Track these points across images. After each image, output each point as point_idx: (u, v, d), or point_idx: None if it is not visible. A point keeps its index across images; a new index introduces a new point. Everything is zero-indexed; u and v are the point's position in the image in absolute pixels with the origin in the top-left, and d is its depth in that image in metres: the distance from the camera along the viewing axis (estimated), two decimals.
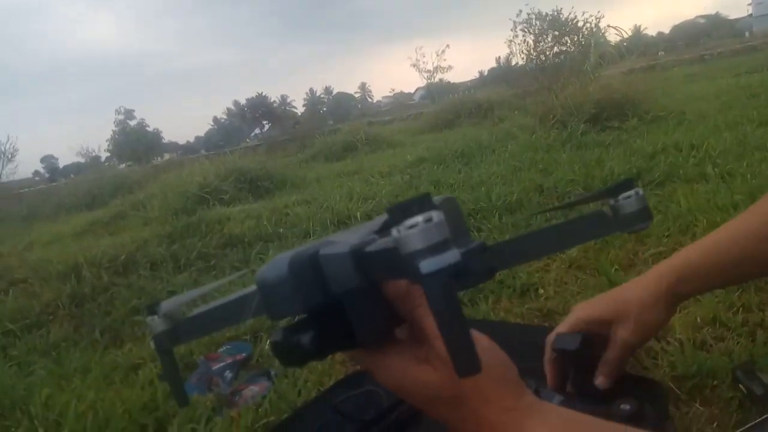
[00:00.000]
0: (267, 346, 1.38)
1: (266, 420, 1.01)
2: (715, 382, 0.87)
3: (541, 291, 1.40)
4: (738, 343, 0.97)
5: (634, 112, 3.82)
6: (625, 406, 0.68)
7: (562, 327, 0.71)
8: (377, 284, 0.43)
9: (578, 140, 3.47)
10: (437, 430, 0.68)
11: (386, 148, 6.21)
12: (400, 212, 0.36)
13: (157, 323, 0.47)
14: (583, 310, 0.71)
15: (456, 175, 3.18)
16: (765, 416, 0.76)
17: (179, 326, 0.48)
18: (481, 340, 0.42)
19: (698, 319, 1.06)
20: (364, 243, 0.42)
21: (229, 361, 1.36)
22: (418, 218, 0.36)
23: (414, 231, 0.36)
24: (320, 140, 7.24)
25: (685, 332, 1.01)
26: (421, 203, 0.37)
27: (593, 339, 0.69)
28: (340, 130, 8.22)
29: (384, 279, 0.43)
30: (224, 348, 1.44)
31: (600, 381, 0.69)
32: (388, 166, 4.05)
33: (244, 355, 1.38)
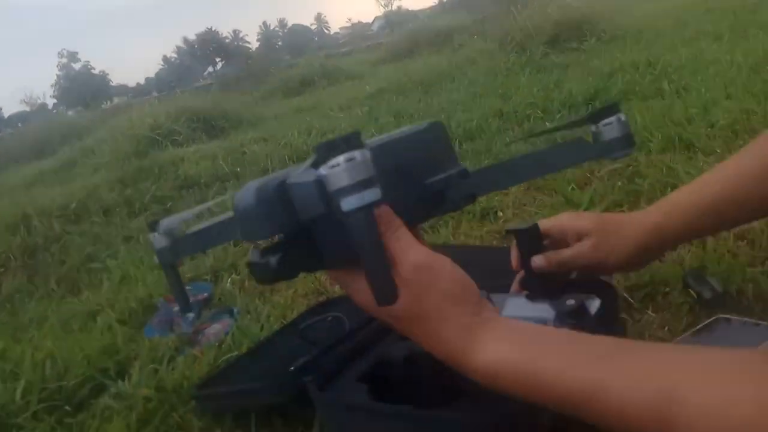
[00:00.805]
0: (228, 285, 1.37)
1: (229, 355, 1.00)
2: (667, 289, 0.89)
3: (500, 214, 1.40)
4: (689, 251, 0.99)
5: (593, 32, 3.78)
6: (570, 302, 0.68)
7: (543, 221, 0.69)
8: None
9: (537, 63, 3.43)
10: (399, 350, 0.68)
11: (345, 81, 6.05)
12: (325, 150, 0.37)
13: (158, 239, 0.50)
14: (568, 217, 0.69)
15: (416, 104, 3.13)
16: (713, 318, 0.78)
17: (179, 242, 0.50)
18: (442, 263, 0.43)
19: None
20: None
21: (191, 300, 1.34)
22: (340, 158, 0.37)
23: (336, 170, 0.37)
24: (276, 76, 7.02)
25: None
26: (348, 142, 0.37)
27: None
28: (296, 64, 7.96)
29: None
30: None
31: (537, 261, 0.67)
32: (347, 99, 3.96)
33: (205, 294, 1.36)
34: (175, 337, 1.17)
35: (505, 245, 1.20)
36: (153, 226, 0.50)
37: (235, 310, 1.23)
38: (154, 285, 1.47)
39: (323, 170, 0.37)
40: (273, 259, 0.42)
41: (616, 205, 1.23)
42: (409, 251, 0.43)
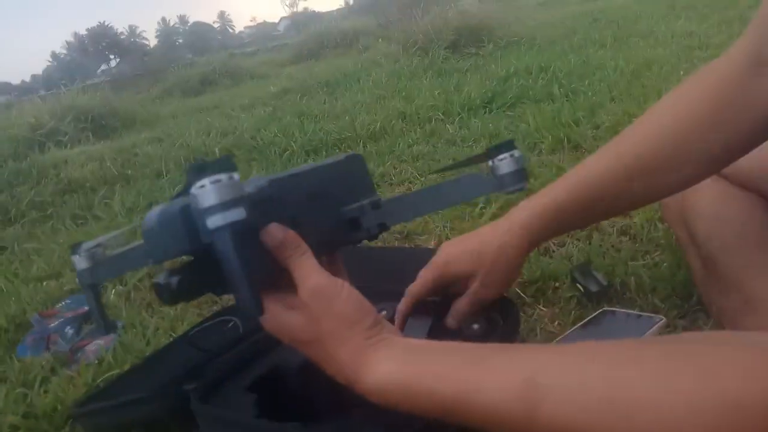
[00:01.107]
0: (112, 297, 1.27)
1: (110, 374, 0.92)
2: (556, 284, 0.92)
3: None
4: (577, 247, 1.03)
5: (490, 38, 3.92)
6: (476, 326, 0.69)
7: (428, 271, 0.70)
8: (255, 233, 0.46)
9: (439, 67, 3.51)
10: (294, 357, 0.65)
11: (248, 81, 5.89)
12: (195, 173, 0.40)
13: (78, 261, 0.52)
14: (447, 258, 0.69)
15: (321, 105, 3.09)
16: (599, 311, 0.81)
17: (99, 264, 0.51)
18: (339, 288, 0.46)
19: None
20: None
21: (69, 315, 1.23)
22: (205, 180, 0.39)
23: (202, 190, 0.39)
24: (175, 74, 6.69)
25: None
26: (219, 165, 0.40)
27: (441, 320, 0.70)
28: (197, 62, 7.65)
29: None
30: (63, 303, 1.30)
31: (449, 323, 0.70)
32: (251, 99, 3.85)
33: (86, 308, 1.25)
34: (51, 356, 1.06)
35: (431, 247, 1.20)
36: (75, 249, 0.52)
37: (120, 324, 1.13)
38: (29, 300, 1.34)
39: (192, 190, 0.39)
40: (174, 280, 0.43)
41: (510, 203, 1.26)
42: (309, 276, 0.45)
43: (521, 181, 0.47)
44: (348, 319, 0.44)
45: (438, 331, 0.70)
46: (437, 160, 1.77)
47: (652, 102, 1.74)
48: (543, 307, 0.89)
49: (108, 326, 0.56)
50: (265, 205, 0.47)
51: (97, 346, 1.08)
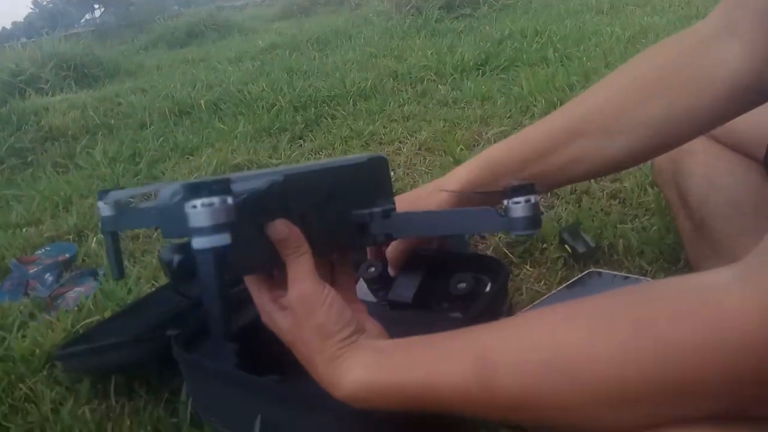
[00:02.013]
0: (94, 245, 1.24)
1: (90, 320, 0.90)
2: (544, 245, 0.92)
3: (393, 173, 1.38)
4: (566, 209, 1.03)
5: (485, 1, 3.83)
6: (463, 284, 0.68)
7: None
8: (261, 225, 0.47)
9: (433, 27, 3.43)
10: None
11: (236, 35, 5.74)
12: (192, 190, 0.40)
13: (103, 208, 0.52)
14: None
15: (311, 61, 3.02)
16: (586, 272, 0.81)
17: (123, 214, 0.52)
18: (323, 298, 0.46)
19: None
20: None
21: (49, 262, 1.21)
22: (198, 202, 0.40)
23: (194, 211, 0.40)
24: (161, 25, 6.49)
25: None
26: (212, 187, 0.40)
27: None
28: (183, 14, 7.42)
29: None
30: (43, 250, 1.27)
31: (391, 271, 0.70)
32: (238, 53, 3.74)
33: (67, 255, 1.23)
34: (29, 302, 1.04)
35: None
36: (101, 195, 0.52)
37: (100, 272, 1.12)
38: (8, 245, 1.31)
39: (186, 208, 0.40)
40: (176, 258, 0.44)
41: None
42: (299, 280, 0.46)
43: (533, 227, 0.47)
44: (325, 331, 0.45)
45: (427, 288, 0.69)
46: (428, 121, 1.75)
47: None
48: (530, 267, 0.89)
49: (121, 273, 0.56)
50: (275, 200, 0.48)
51: (77, 293, 1.06)
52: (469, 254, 0.86)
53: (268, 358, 0.58)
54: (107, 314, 0.91)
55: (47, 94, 3.09)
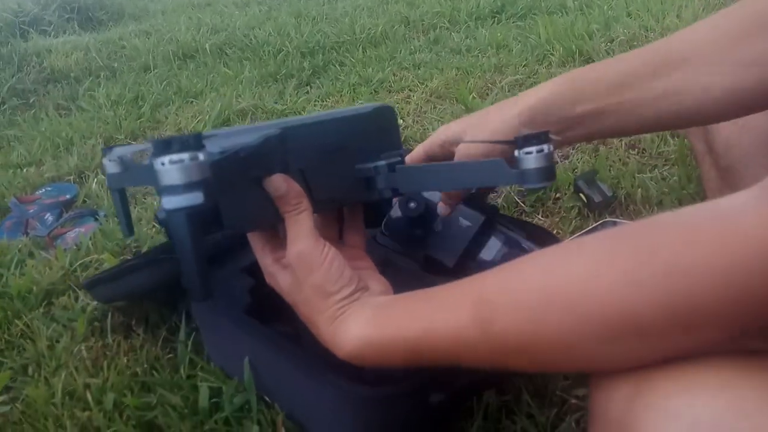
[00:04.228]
0: (95, 186, 1.22)
1: (88, 258, 0.88)
2: (557, 195, 0.88)
3: (401, 121, 1.34)
4: (582, 159, 0.99)
5: None
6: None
7: (420, 146, 0.65)
8: (259, 179, 0.45)
9: None
10: None
11: None
12: (161, 147, 0.37)
13: (109, 165, 0.50)
14: (443, 129, 0.64)
15: (319, 6, 2.92)
16: (600, 221, 0.78)
17: (128, 171, 0.49)
18: (322, 257, 0.44)
19: None
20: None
21: (49, 202, 1.18)
22: (167, 158, 0.37)
23: (162, 169, 0.37)
24: None
25: None
26: (182, 143, 0.37)
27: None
28: None
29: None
30: (44, 190, 1.25)
31: (442, 210, 0.65)
32: None
33: (67, 196, 1.20)
34: (28, 241, 1.02)
35: None
36: (105, 152, 0.50)
37: (101, 213, 1.09)
38: (8, 185, 1.28)
39: (155, 165, 0.37)
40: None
41: None
42: (298, 239, 0.45)
43: (547, 179, 0.43)
44: (324, 291, 0.44)
45: (469, 252, 0.65)
46: (440, 69, 1.68)
47: (670, 18, 1.64)
48: (542, 216, 0.86)
49: (131, 229, 0.54)
50: (272, 154, 0.46)
51: (77, 233, 1.04)
52: (521, 222, 0.80)
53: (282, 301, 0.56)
54: (106, 255, 0.89)
55: (50, 36, 3.02)
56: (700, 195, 0.77)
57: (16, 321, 0.77)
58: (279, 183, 0.45)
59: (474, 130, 0.60)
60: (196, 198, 0.37)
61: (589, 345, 0.32)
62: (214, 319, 0.60)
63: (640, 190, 0.83)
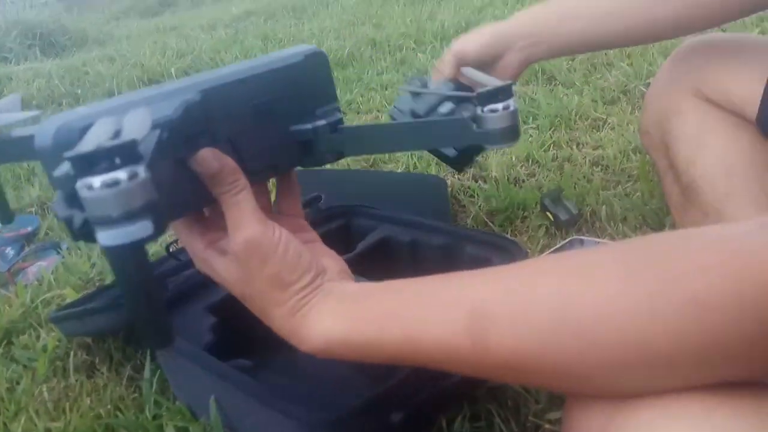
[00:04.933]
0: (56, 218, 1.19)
1: (50, 294, 0.86)
2: (525, 213, 0.89)
3: None
4: (548, 177, 1.00)
5: None
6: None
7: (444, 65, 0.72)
8: (182, 159, 0.38)
9: None
10: None
11: (210, 3, 5.57)
12: (83, 164, 0.28)
13: None
14: (465, 45, 0.71)
15: (286, 29, 2.93)
16: (568, 239, 0.79)
17: (3, 143, 0.42)
18: (275, 242, 0.40)
19: (513, 158, 1.07)
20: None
21: (10, 236, 1.15)
22: (97, 180, 0.27)
23: (92, 194, 0.28)
24: None
25: (500, 171, 1.02)
26: (116, 155, 0.28)
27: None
28: None
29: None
30: None
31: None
32: (211, 20, 3.63)
33: (29, 229, 1.17)
34: None
35: (444, 176, 1.15)
36: None
37: (63, 246, 1.06)
38: None
39: (80, 190, 0.28)
40: (78, 217, 0.32)
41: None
42: (243, 225, 0.39)
43: (512, 138, 0.40)
44: (282, 281, 0.39)
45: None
46: None
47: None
48: (511, 235, 0.86)
49: (7, 217, 0.46)
50: (195, 125, 0.38)
51: (38, 267, 1.01)
52: (485, 233, 0.80)
53: (246, 336, 0.55)
54: (68, 289, 0.87)
55: (11, 63, 2.96)
56: (663, 210, 0.78)
57: None
58: (209, 160, 0.39)
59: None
60: (143, 229, 0.29)
61: (595, 371, 0.31)
62: (174, 357, 0.59)
63: (604, 207, 0.84)
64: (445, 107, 0.65)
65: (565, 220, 0.82)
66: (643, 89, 1.26)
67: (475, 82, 0.39)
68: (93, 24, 4.70)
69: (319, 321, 0.39)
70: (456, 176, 1.06)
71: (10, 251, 1.11)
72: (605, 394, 0.32)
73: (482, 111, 0.39)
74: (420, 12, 2.76)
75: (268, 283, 0.39)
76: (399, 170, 1.14)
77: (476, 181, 1.02)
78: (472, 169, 1.07)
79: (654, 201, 0.82)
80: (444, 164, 1.09)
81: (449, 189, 0.99)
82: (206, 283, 0.62)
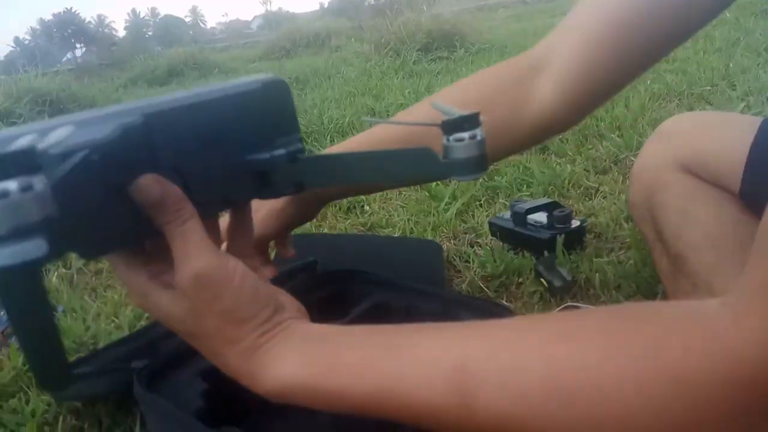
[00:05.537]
0: (55, 280, 1.19)
1: None
2: (520, 279, 0.90)
3: (367, 207, 1.37)
4: None
5: (462, 44, 3.93)
6: None
7: None
8: (120, 184, 0.35)
9: (410, 68, 3.50)
10: None
11: (217, 75, 5.79)
12: None
13: None
14: None
15: None
16: (563, 306, 0.79)
17: None
18: (229, 275, 0.37)
19: None
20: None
21: None
22: None
23: None
24: (141, 64, 6.52)
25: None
26: (7, 164, 0.25)
27: None
28: (165, 54, 7.49)
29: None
30: None
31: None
32: None
33: None
34: None
35: (438, 241, 1.16)
36: None
37: (60, 309, 1.06)
38: None
39: None
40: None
41: (475, 199, 1.24)
42: (192, 257, 0.36)
43: (479, 170, 0.37)
44: (236, 317, 0.37)
45: None
46: None
47: (619, 109, 1.75)
48: (506, 301, 0.86)
49: None
50: (135, 150, 0.35)
51: None
52: (479, 300, 0.81)
53: (239, 403, 0.54)
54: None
55: None
56: (654, 278, 0.79)
57: None
58: (151, 187, 0.35)
59: None
60: (35, 249, 0.26)
61: None
62: (163, 424, 0.58)
63: (598, 274, 0.85)
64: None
65: (559, 286, 0.83)
66: (633, 159, 1.30)
67: (445, 113, 0.39)
68: (102, 92, 4.86)
69: (280, 363, 0.37)
70: (452, 241, 1.08)
71: (3, 314, 1.11)
72: None
73: (448, 140, 0.37)
74: (418, 84, 2.87)
75: (220, 320, 0.36)
76: (396, 234, 1.16)
77: (471, 246, 1.04)
78: (466, 234, 1.09)
79: (646, 269, 0.83)
80: (438, 229, 1.12)
81: (445, 254, 1.00)
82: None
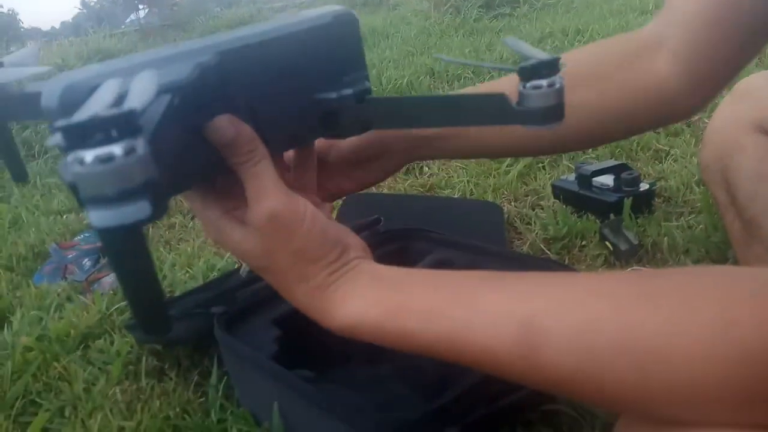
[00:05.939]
0: None
1: (124, 303, 0.91)
2: (583, 242, 0.89)
3: (426, 169, 1.37)
4: None
5: (526, 0, 3.78)
6: None
7: None
8: (195, 126, 0.35)
9: (471, 26, 3.40)
10: None
11: None
12: (75, 134, 0.24)
13: None
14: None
15: None
16: (628, 270, 0.78)
17: (10, 101, 0.38)
18: (301, 215, 0.38)
19: None
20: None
21: (87, 248, 1.23)
22: (89, 154, 0.24)
23: (82, 170, 0.25)
24: (202, 24, 6.63)
25: None
26: (110, 125, 0.25)
27: None
28: (224, 14, 7.57)
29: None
30: (82, 236, 1.30)
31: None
32: None
33: None
34: (67, 285, 1.06)
35: (498, 202, 1.17)
36: None
37: None
38: (48, 231, 1.34)
39: (70, 165, 0.25)
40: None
41: (538, 161, 1.22)
42: (265, 196, 0.37)
43: (556, 119, 0.35)
44: (307, 256, 0.38)
45: None
46: None
47: None
48: (569, 264, 0.86)
49: (22, 175, 0.43)
50: (210, 90, 0.35)
51: (113, 278, 1.08)
52: (544, 260, 0.82)
53: (310, 349, 0.57)
54: None
55: None
56: (725, 243, 0.77)
57: (54, 363, 0.79)
58: (225, 128, 0.36)
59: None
60: (140, 211, 0.26)
61: (644, 402, 0.32)
62: (241, 364, 0.62)
63: (666, 238, 0.83)
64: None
65: (625, 250, 0.81)
66: (707, 121, 1.24)
67: (518, 53, 0.36)
68: None
69: (350, 300, 0.38)
70: (513, 203, 1.07)
71: (87, 262, 1.19)
72: (657, 420, 0.33)
73: (524, 87, 0.35)
74: (479, 43, 2.79)
75: (291, 258, 0.38)
76: (455, 196, 1.16)
77: (533, 209, 1.03)
78: (528, 197, 1.08)
79: (717, 234, 0.81)
80: (499, 191, 1.11)
81: (505, 216, 1.00)
82: (272, 297, 0.65)
